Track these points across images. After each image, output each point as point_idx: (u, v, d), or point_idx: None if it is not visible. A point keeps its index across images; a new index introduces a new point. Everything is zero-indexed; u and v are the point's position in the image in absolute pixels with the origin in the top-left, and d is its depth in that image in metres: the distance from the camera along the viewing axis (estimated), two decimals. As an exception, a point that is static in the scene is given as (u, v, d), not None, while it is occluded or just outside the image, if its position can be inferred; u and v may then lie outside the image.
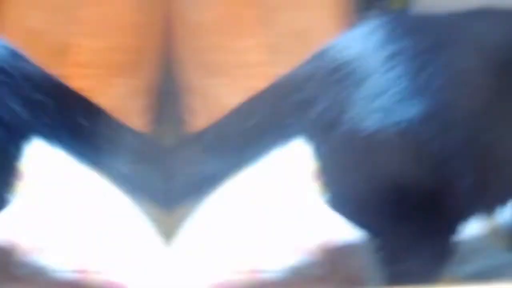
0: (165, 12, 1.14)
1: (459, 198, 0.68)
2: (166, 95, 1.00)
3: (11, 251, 0.82)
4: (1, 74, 0.68)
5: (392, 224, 0.69)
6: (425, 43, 0.67)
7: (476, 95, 0.66)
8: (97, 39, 1.17)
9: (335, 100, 0.66)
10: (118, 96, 1.03)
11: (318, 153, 0.70)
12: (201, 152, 0.70)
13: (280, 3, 1.75)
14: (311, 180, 1.06)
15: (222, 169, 0.71)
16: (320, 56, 0.70)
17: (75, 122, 0.71)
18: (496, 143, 0.67)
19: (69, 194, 0.93)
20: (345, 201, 0.72)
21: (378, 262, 0.74)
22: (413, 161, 0.65)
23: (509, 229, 0.93)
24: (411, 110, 0.64)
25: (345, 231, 0.89)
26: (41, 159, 0.82)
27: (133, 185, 0.74)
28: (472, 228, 0.82)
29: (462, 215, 0.72)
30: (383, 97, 0.64)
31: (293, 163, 1.14)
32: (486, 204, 0.74)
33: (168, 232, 0.80)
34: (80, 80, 0.95)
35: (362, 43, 0.69)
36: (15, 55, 0.71)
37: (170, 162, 0.70)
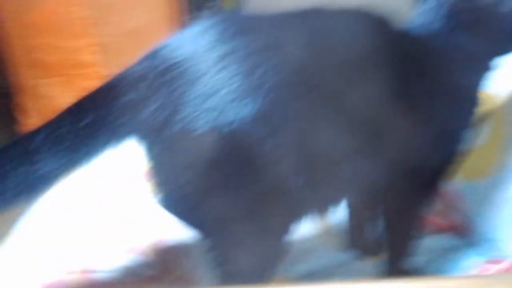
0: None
1: (292, 198, 0.69)
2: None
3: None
4: None
5: (223, 224, 0.69)
6: (257, 43, 0.67)
7: (308, 95, 0.67)
8: None
9: (167, 100, 0.65)
10: None
11: (150, 153, 0.69)
12: (33, 152, 0.68)
13: (112, 3, 1.74)
14: (143, 180, 1.08)
15: (54, 169, 0.70)
16: (152, 56, 0.69)
17: None
18: (327, 144, 0.68)
19: None
20: (177, 201, 0.71)
21: (210, 262, 0.73)
22: (246, 161, 0.66)
23: (341, 229, 0.97)
24: (243, 110, 0.64)
25: (178, 231, 0.90)
26: None
27: None
28: (305, 228, 0.82)
29: (295, 214, 0.73)
30: (215, 97, 0.64)
31: (126, 163, 1.15)
32: (318, 204, 0.76)
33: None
34: None
35: (194, 43, 0.68)
36: None
37: (1, 162, 0.68)
